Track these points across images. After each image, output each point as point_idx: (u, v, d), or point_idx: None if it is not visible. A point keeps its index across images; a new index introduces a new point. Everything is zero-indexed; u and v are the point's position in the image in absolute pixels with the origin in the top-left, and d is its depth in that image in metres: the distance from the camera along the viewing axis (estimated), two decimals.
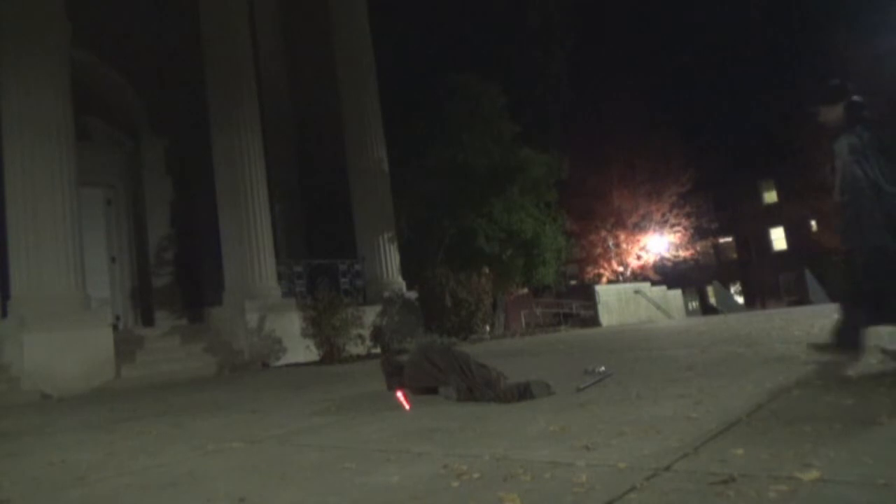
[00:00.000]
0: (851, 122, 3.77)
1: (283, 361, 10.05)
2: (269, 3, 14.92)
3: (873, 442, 2.03)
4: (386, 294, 12.32)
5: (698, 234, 28.82)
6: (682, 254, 28.11)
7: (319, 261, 12.42)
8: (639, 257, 27.20)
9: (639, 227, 27.15)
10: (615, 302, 17.74)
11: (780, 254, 37.49)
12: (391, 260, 13.03)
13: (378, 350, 10.59)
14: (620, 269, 27.14)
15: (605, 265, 27.67)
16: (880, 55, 24.60)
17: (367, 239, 13.01)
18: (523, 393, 3.63)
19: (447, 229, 13.89)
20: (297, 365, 9.76)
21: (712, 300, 34.40)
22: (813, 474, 1.72)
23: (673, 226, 27.46)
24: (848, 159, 3.68)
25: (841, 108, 3.81)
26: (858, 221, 3.64)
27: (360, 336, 10.32)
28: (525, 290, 19.88)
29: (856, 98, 3.79)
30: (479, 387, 3.82)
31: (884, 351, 3.79)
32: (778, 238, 38.26)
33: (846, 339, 3.90)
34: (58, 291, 8.49)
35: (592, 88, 25.12)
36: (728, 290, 35.80)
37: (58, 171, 8.75)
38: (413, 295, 12.61)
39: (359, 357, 9.78)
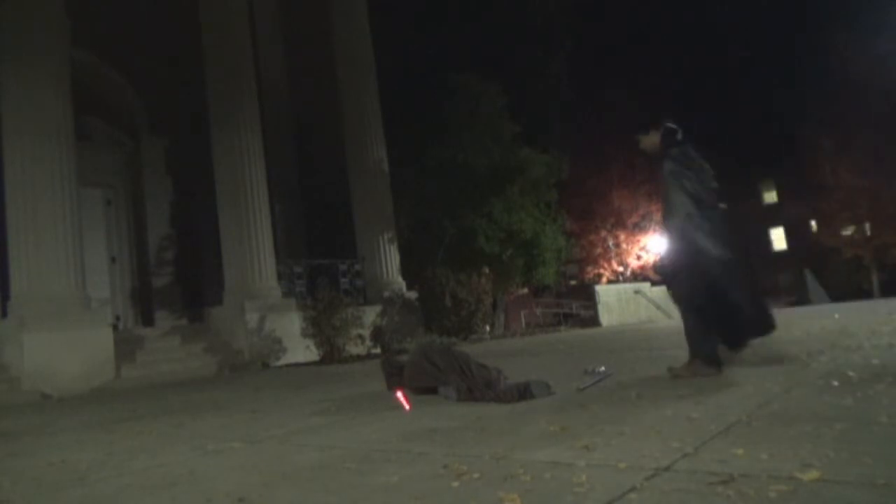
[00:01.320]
0: (667, 146, 4.10)
1: (283, 361, 10.05)
2: (268, 3, 14.92)
3: (873, 442, 2.03)
4: (386, 294, 12.32)
5: None
6: None
7: (319, 261, 12.42)
8: (639, 257, 27.18)
9: (639, 227, 27.12)
10: (615, 302, 17.73)
11: (780, 254, 37.45)
12: (391, 260, 13.04)
13: (378, 350, 10.59)
14: (620, 269, 27.12)
15: (605, 265, 27.65)
16: (880, 55, 24.59)
17: (367, 239, 13.01)
18: (523, 393, 3.63)
19: (447, 229, 13.89)
20: (297, 365, 9.76)
21: None
22: (813, 474, 1.72)
23: None
24: (671, 182, 3.92)
25: (657, 135, 4.13)
26: (690, 239, 3.83)
27: (360, 336, 10.32)
28: (525, 290, 19.87)
29: (669, 125, 4.11)
30: (479, 387, 3.82)
31: (670, 369, 3.97)
32: (778, 238, 38.24)
33: (708, 356, 3.89)
34: (58, 291, 8.50)
35: (592, 88, 25.10)
36: None
37: (58, 171, 8.75)
38: (413, 295, 12.61)
39: (359, 357, 9.79)
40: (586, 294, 19.17)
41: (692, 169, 3.94)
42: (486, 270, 13.48)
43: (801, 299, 29.05)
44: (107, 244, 12.40)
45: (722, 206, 4.01)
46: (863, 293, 26.12)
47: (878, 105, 25.10)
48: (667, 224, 3.98)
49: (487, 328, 13.47)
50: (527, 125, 15.45)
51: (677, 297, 4.07)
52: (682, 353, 5.28)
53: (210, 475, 2.55)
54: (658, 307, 19.13)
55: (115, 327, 9.89)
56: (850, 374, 3.36)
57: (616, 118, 25.62)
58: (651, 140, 4.16)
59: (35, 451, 3.70)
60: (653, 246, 27.18)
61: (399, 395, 3.93)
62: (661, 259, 4.10)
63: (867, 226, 27.92)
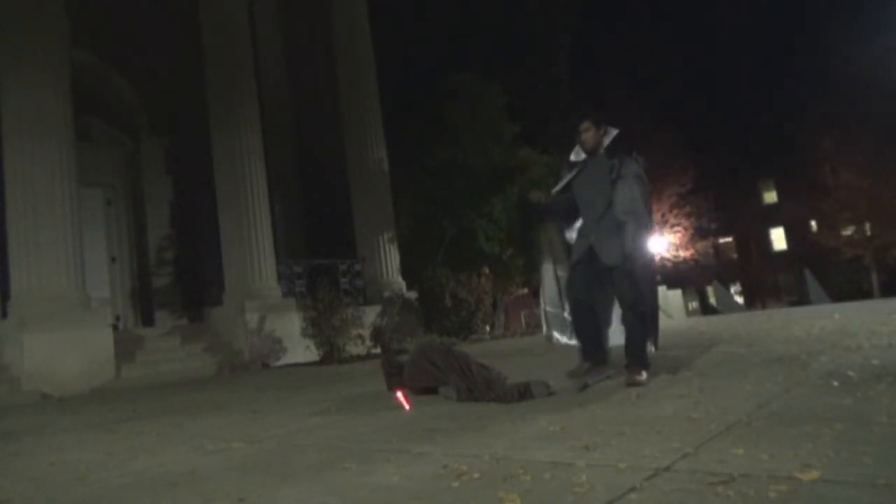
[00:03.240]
0: (612, 150, 4.17)
1: (283, 361, 10.05)
2: (269, 3, 14.92)
3: (873, 442, 2.03)
4: (386, 294, 12.32)
5: (698, 234, 28.80)
6: (682, 254, 28.08)
7: (319, 261, 12.41)
8: None
9: None
10: None
11: (780, 254, 37.46)
12: (391, 260, 13.03)
13: (378, 350, 10.59)
14: None
15: None
16: (880, 55, 24.59)
17: (367, 239, 13.01)
18: (523, 393, 3.63)
19: (447, 229, 13.89)
20: (297, 365, 9.76)
21: (712, 300, 34.38)
22: (813, 474, 1.72)
23: (673, 226, 27.44)
24: (637, 181, 4.06)
25: (605, 136, 4.17)
26: (642, 238, 4.00)
27: (360, 336, 10.32)
28: (525, 290, 19.86)
29: (616, 130, 4.23)
30: (479, 387, 3.82)
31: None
32: (778, 238, 38.24)
33: (644, 356, 3.94)
34: (58, 291, 8.50)
35: (592, 88, 25.13)
36: (728, 290, 35.76)
37: (58, 171, 8.75)
38: (413, 295, 12.61)
39: (359, 357, 9.79)
40: None
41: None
42: (486, 270, 13.48)
43: (802, 299, 29.03)
44: (107, 244, 12.39)
45: None
46: (863, 293, 26.11)
47: (878, 105, 25.09)
48: (634, 221, 3.97)
49: (487, 328, 13.46)
50: (527, 125, 15.44)
51: (633, 296, 3.99)
52: (682, 354, 5.29)
53: (210, 475, 2.55)
54: (658, 307, 19.07)
55: (115, 327, 9.89)
56: (850, 374, 3.36)
57: (616, 118, 25.65)
58: (598, 136, 4.16)
59: (35, 451, 3.70)
60: (653, 246, 27.16)
61: (399, 395, 3.93)
62: (633, 249, 4.07)
63: (867, 226, 27.92)
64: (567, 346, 4.55)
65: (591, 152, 4.19)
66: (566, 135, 4.42)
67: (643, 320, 3.99)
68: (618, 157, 4.12)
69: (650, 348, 4.17)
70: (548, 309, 4.44)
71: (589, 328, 4.09)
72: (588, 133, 4.17)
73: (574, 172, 4.25)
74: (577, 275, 4.16)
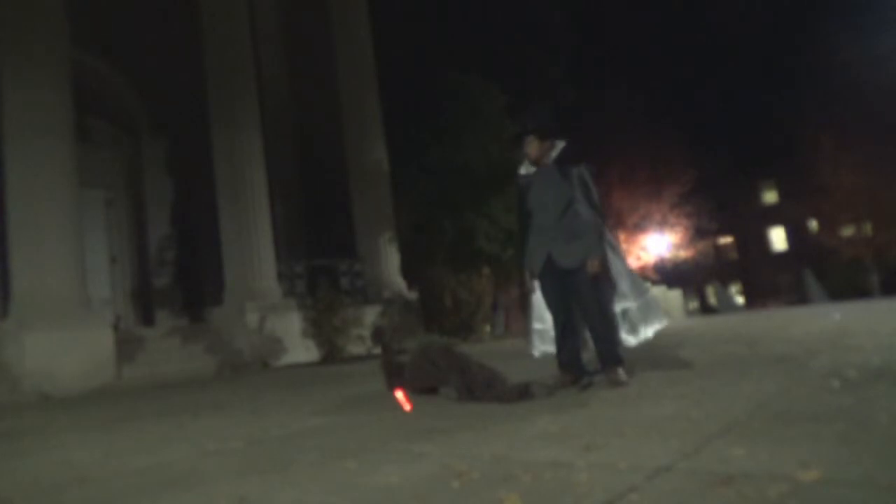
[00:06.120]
0: (561, 162, 4.20)
1: (283, 361, 10.05)
2: (268, 3, 14.93)
3: (873, 442, 2.03)
4: (386, 294, 12.33)
5: (698, 234, 28.78)
6: (682, 254, 28.06)
7: (319, 261, 12.42)
8: (639, 258, 27.18)
9: (639, 228, 27.12)
10: None
11: (780, 254, 37.47)
12: (391, 260, 13.04)
13: (378, 350, 10.59)
14: None
15: None
16: (880, 55, 24.58)
17: (367, 239, 13.02)
18: (523, 393, 3.63)
19: (447, 229, 13.88)
20: (297, 365, 9.77)
21: (712, 300, 34.40)
22: (813, 474, 1.72)
23: (673, 226, 27.41)
24: (592, 188, 4.16)
25: (545, 145, 4.20)
26: (601, 238, 4.11)
27: (361, 336, 10.33)
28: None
29: (562, 143, 4.25)
30: (479, 387, 3.82)
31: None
32: (778, 238, 38.25)
33: (618, 354, 3.98)
34: (59, 291, 8.50)
35: (592, 89, 25.10)
36: (728, 290, 35.77)
37: (59, 171, 8.76)
38: (413, 295, 12.61)
39: (359, 357, 9.79)
40: None
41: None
42: (487, 270, 13.48)
43: (802, 299, 29.02)
44: (107, 244, 12.39)
45: None
46: (863, 293, 26.11)
47: (878, 105, 25.07)
48: (588, 224, 4.04)
49: (488, 329, 13.47)
50: (526, 125, 15.42)
51: (596, 304, 4.00)
52: (683, 354, 5.29)
53: (210, 475, 2.55)
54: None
55: (115, 327, 9.88)
56: (850, 374, 3.35)
57: (616, 118, 25.65)
58: (543, 148, 4.21)
59: (35, 451, 3.70)
60: (653, 246, 27.21)
61: (399, 394, 3.93)
62: (592, 251, 4.08)
63: (867, 226, 27.91)
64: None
65: (536, 163, 4.24)
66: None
67: (611, 321, 4.06)
68: (570, 165, 4.17)
69: (629, 341, 4.26)
70: (535, 326, 4.43)
71: (571, 346, 4.09)
72: (531, 146, 4.23)
73: (526, 185, 4.31)
74: (547, 291, 4.15)
